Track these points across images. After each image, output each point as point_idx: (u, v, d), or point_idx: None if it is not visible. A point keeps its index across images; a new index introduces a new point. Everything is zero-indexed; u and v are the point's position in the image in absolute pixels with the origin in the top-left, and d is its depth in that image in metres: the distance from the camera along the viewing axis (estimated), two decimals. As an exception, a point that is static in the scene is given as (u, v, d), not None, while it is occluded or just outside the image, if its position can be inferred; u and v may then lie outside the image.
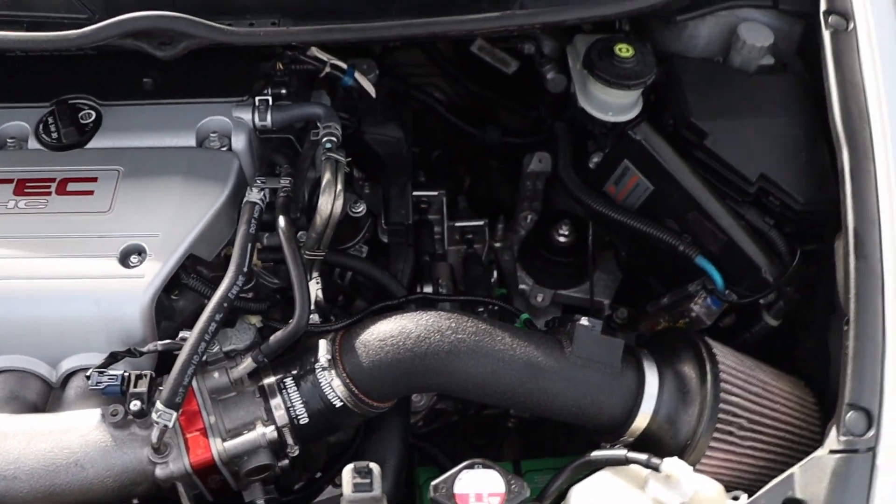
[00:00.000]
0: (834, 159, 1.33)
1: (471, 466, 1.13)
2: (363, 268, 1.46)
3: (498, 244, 1.88)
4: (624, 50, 1.48)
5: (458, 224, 1.82)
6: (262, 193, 1.33)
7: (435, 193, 1.77)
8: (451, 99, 2.06)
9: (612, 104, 1.51)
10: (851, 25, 1.43)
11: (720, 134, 1.46)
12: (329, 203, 1.32)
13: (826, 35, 1.42)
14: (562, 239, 1.70)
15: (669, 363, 1.33)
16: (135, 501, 1.22)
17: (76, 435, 1.19)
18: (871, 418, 1.14)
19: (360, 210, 1.51)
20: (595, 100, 1.52)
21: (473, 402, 1.66)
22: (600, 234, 1.71)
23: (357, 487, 1.11)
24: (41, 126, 1.42)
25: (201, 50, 1.34)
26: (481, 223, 1.82)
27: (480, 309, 1.61)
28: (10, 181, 1.34)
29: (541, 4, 1.40)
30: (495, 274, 1.77)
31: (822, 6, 1.45)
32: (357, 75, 1.54)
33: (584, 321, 1.29)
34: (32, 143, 1.41)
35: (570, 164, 1.62)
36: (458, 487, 1.11)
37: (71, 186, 1.34)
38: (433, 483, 1.12)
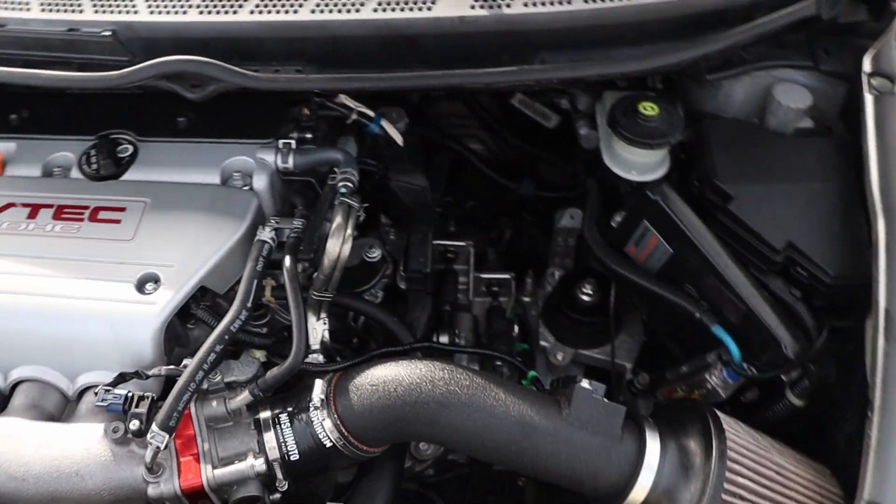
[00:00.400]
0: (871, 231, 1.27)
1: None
2: (371, 312, 1.47)
3: (527, 299, 1.87)
4: (648, 108, 1.47)
5: (484, 276, 1.83)
6: (272, 233, 1.37)
7: (462, 244, 1.79)
8: (491, 151, 2.08)
9: (636, 163, 1.49)
10: (896, 88, 1.39)
11: (747, 198, 1.40)
12: (337, 246, 1.35)
13: (868, 98, 1.36)
14: (585, 298, 1.68)
15: (674, 435, 1.28)
16: None
17: (80, 447, 1.24)
18: None
19: (375, 255, 1.54)
20: (619, 158, 1.51)
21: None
22: (625, 295, 1.69)
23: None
24: (84, 157, 1.51)
25: (233, 93, 1.41)
26: (507, 276, 1.82)
27: (499, 363, 1.61)
28: (51, 206, 1.43)
29: (562, 60, 1.41)
30: (517, 329, 1.76)
31: (866, 67, 1.39)
32: (384, 123, 1.58)
33: (584, 383, 1.26)
34: (75, 173, 1.50)
35: (594, 221, 1.60)
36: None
37: (102, 214, 1.41)
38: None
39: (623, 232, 1.54)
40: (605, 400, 1.26)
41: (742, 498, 1.21)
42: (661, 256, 1.49)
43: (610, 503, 1.26)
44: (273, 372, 1.27)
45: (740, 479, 1.22)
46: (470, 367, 1.29)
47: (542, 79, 1.37)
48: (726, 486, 1.20)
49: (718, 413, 1.29)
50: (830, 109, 1.55)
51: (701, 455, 1.24)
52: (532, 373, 1.46)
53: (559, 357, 1.72)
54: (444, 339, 1.63)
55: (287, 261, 1.33)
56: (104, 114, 1.56)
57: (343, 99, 1.55)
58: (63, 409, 1.35)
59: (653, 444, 1.25)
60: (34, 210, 1.42)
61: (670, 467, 1.24)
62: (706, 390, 1.48)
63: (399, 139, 1.61)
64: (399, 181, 1.65)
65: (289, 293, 1.30)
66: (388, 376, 1.25)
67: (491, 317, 1.79)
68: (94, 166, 1.49)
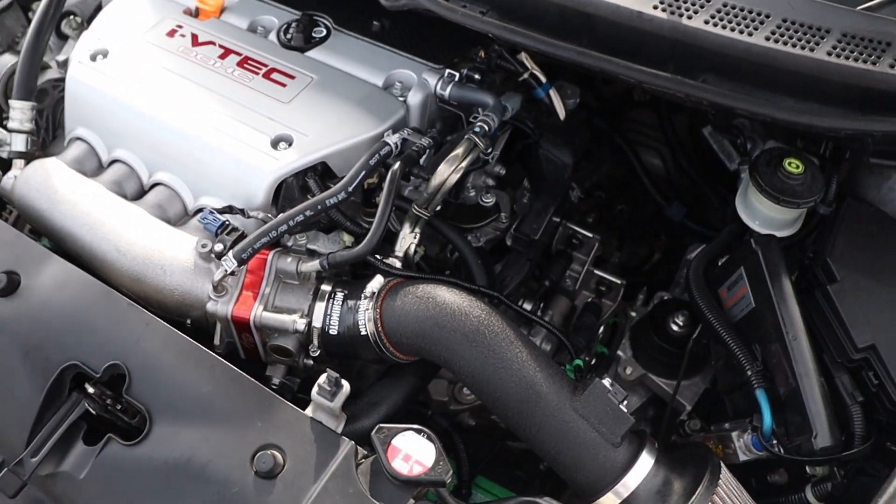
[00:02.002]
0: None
1: (419, 432, 1.20)
2: (460, 244, 1.56)
3: (633, 313, 1.88)
4: (794, 165, 1.44)
5: (597, 272, 1.86)
6: (399, 140, 1.49)
7: (590, 235, 1.83)
8: (667, 169, 2.09)
9: (762, 214, 1.48)
10: None
11: (850, 286, 1.36)
12: (447, 172, 1.46)
13: None
14: (675, 328, 1.67)
15: (669, 467, 1.28)
16: (188, 322, 1.45)
17: (174, 248, 1.45)
18: None
19: (489, 201, 1.63)
20: (748, 204, 1.50)
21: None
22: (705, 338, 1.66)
23: (320, 391, 1.24)
24: (284, 27, 1.71)
25: (426, 15, 1.54)
26: (619, 282, 1.85)
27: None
28: (240, 54, 1.64)
29: (725, 88, 1.41)
30: (602, 330, 1.78)
31: None
32: (551, 92, 1.65)
33: (605, 382, 1.29)
34: (272, 37, 1.71)
35: (706, 258, 1.59)
36: (397, 441, 1.18)
37: (274, 76, 1.60)
38: (380, 425, 1.20)
39: (722, 274, 1.53)
40: (619, 406, 1.28)
41: None
42: (744, 308, 1.46)
43: (582, 499, 1.30)
44: (343, 252, 1.41)
45: None
46: (511, 322, 1.34)
47: (693, 94, 1.38)
48: None
49: (723, 470, 1.28)
50: None
51: (682, 495, 1.24)
52: (578, 361, 1.49)
53: (628, 371, 1.73)
54: (528, 306, 1.70)
55: (395, 164, 1.45)
56: None
57: (522, 57, 1.64)
58: (181, 218, 1.57)
59: (643, 464, 1.27)
60: (226, 53, 1.63)
61: (647, 492, 1.25)
62: (730, 450, 1.44)
63: (561, 112, 1.68)
64: (547, 150, 1.72)
65: (384, 191, 1.42)
66: (434, 295, 1.35)
67: (585, 310, 1.82)
68: (289, 36, 1.69)
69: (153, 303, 1.44)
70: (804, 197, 1.43)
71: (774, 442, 1.37)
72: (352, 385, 1.28)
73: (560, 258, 1.81)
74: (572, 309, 1.85)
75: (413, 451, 1.18)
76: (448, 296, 1.35)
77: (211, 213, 1.46)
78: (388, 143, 1.48)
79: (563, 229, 1.86)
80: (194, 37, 1.66)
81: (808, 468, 1.36)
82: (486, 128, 1.52)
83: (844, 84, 1.37)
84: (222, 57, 1.62)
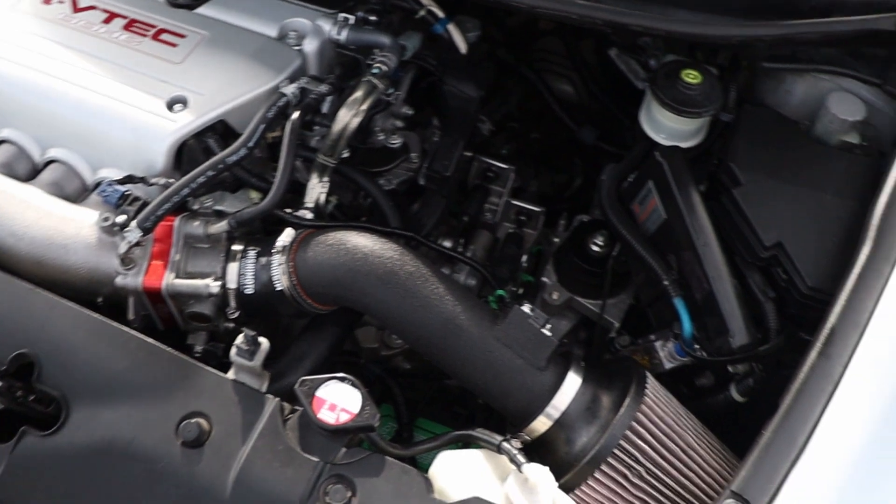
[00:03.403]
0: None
1: (342, 380, 1.20)
2: (369, 187, 1.54)
3: (556, 239, 1.90)
4: (691, 76, 1.45)
5: (515, 202, 1.86)
6: (296, 90, 1.47)
7: (505, 166, 1.83)
8: (578, 94, 2.09)
9: (666, 126, 1.49)
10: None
11: (753, 188, 1.39)
12: (347, 116, 1.44)
13: None
14: (595, 248, 1.69)
15: (596, 383, 1.31)
16: (99, 301, 1.41)
17: (75, 225, 1.40)
18: None
19: (395, 143, 1.61)
20: (652, 118, 1.51)
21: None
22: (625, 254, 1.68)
23: (239, 352, 1.23)
24: (171, -17, 1.65)
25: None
26: (537, 209, 1.85)
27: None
28: (125, 17, 1.58)
29: (619, 5, 1.40)
30: (525, 258, 1.79)
31: None
32: (450, 27, 1.63)
33: (525, 307, 1.31)
34: (159, -6, 1.65)
35: (618, 176, 1.61)
36: (321, 392, 1.18)
37: (163, 36, 1.55)
38: (302, 378, 1.20)
39: (632, 189, 1.55)
40: (541, 329, 1.30)
41: (636, 460, 1.24)
42: (656, 220, 1.49)
43: (515, 425, 1.32)
44: (250, 209, 1.39)
45: (640, 443, 1.24)
46: (425, 260, 1.34)
47: (585, 14, 1.38)
48: (623, 443, 1.24)
49: (649, 379, 1.31)
50: (888, 134, 1.49)
51: (610, 408, 1.27)
52: (500, 291, 1.50)
53: (554, 296, 1.74)
54: (447, 244, 1.70)
55: (294, 115, 1.42)
56: None
57: (419, -6, 1.61)
58: (80, 194, 1.51)
59: (571, 384, 1.29)
60: (110, 17, 1.57)
61: (577, 410, 1.28)
62: (656, 360, 1.48)
63: (462, 46, 1.65)
64: (451, 86, 1.70)
65: (284, 142, 1.40)
66: (345, 241, 1.34)
67: (507, 241, 1.83)
68: (177, -7, 1.64)
69: (60, 285, 1.39)
70: (703, 106, 1.44)
71: (697, 346, 1.41)
72: (280, 342, 1.27)
73: (477, 192, 1.81)
74: (494, 241, 1.85)
75: (338, 400, 1.18)
76: (359, 240, 1.34)
77: (109, 184, 1.41)
78: (285, 94, 1.45)
79: (477, 163, 1.86)
80: (73, 2, 1.60)
81: (729, 367, 1.39)
82: (385, 68, 1.50)
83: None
84: (106, 21, 1.57)
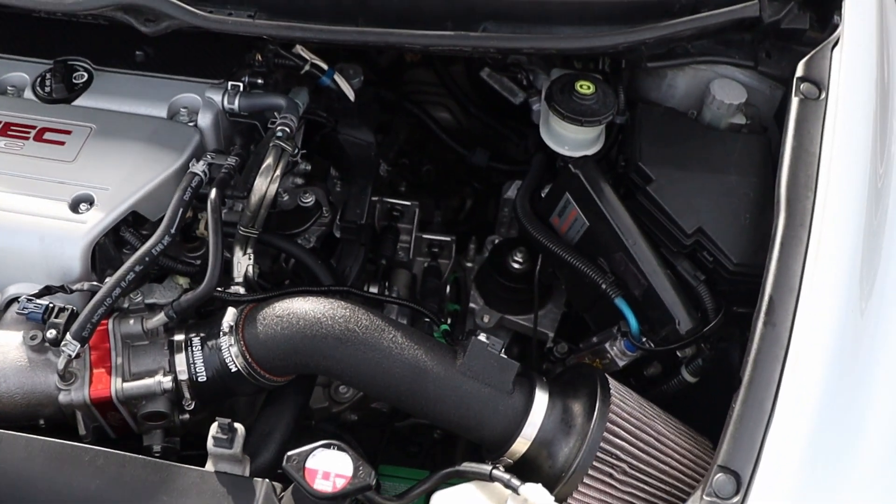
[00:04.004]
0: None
1: (328, 446, 1.18)
2: (295, 251, 1.53)
3: (469, 264, 1.94)
4: (585, 87, 1.52)
5: (425, 236, 1.89)
6: (205, 167, 1.43)
7: (409, 203, 1.85)
8: (458, 121, 2.14)
9: (569, 138, 1.56)
10: (823, 95, 1.44)
11: (665, 182, 1.47)
12: (264, 185, 1.42)
13: (794, 101, 1.42)
14: (516, 265, 1.74)
15: (563, 395, 1.35)
16: (41, 423, 1.33)
17: None
18: (739, 483, 1.13)
19: (308, 200, 1.60)
20: (553, 132, 1.57)
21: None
22: (549, 266, 1.74)
23: (217, 442, 1.19)
24: (39, 80, 1.57)
25: (193, 33, 1.47)
26: (448, 239, 1.88)
27: (427, 320, 1.68)
28: None
29: (505, 31, 1.46)
30: (448, 289, 1.82)
31: (798, 72, 1.46)
32: (336, 77, 1.64)
33: (482, 337, 1.33)
34: (28, 94, 1.56)
35: (528, 192, 1.66)
36: (311, 463, 1.16)
37: (47, 136, 1.48)
38: (288, 454, 1.17)
39: (548, 203, 1.60)
40: (501, 355, 1.32)
41: (618, 458, 1.28)
42: (579, 229, 1.55)
43: (494, 452, 1.34)
44: (188, 296, 1.34)
45: (618, 441, 1.29)
46: (374, 311, 1.35)
47: (479, 46, 1.42)
48: (603, 445, 1.28)
49: (610, 380, 1.36)
50: (767, 110, 1.62)
51: (583, 415, 1.30)
52: (444, 326, 1.52)
53: (485, 319, 1.78)
54: (373, 289, 1.70)
55: (213, 193, 1.39)
56: (64, 40, 1.61)
57: (299, 49, 1.60)
58: None
59: (540, 401, 1.32)
60: (-20, 125, 1.48)
61: (553, 423, 1.31)
62: (607, 360, 1.54)
63: (351, 94, 1.67)
64: (346, 135, 1.72)
65: (209, 224, 1.36)
66: (293, 310, 1.32)
67: (427, 276, 1.85)
68: (48, 89, 1.55)
69: None
70: (602, 113, 1.51)
71: (644, 340, 1.47)
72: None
73: (388, 233, 1.82)
74: (413, 278, 1.87)
75: (330, 467, 1.17)
76: (306, 305, 1.33)
77: (28, 300, 1.33)
78: (195, 173, 1.42)
79: (380, 205, 1.87)
80: (-65, 117, 1.49)
81: (678, 352, 1.46)
82: (288, 130, 1.49)
83: (609, 2, 1.47)
84: (-23, 131, 1.47)
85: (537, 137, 1.87)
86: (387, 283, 1.75)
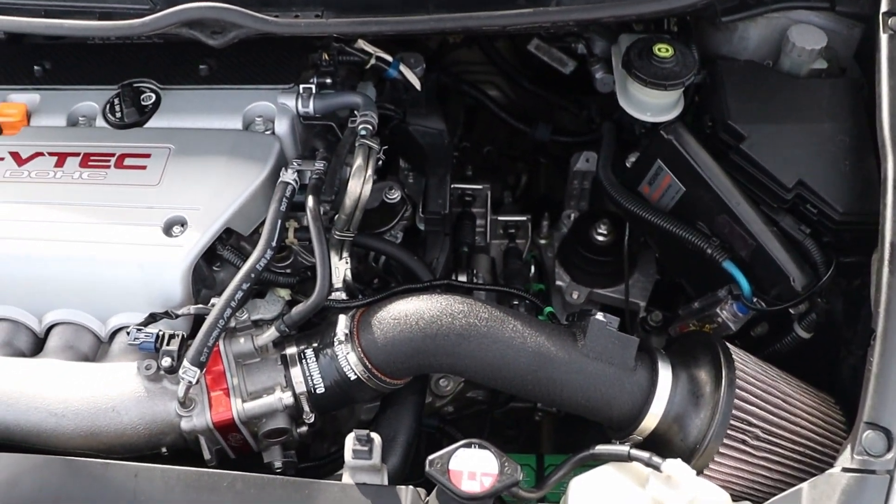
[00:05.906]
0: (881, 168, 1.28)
1: (468, 445, 1.16)
2: (392, 251, 1.51)
3: (543, 241, 1.91)
4: (663, 50, 1.49)
5: (501, 218, 1.86)
6: (295, 174, 1.41)
7: (479, 187, 1.82)
8: (508, 97, 2.10)
9: (650, 104, 1.52)
10: (914, 28, 1.40)
11: (759, 138, 1.44)
12: (358, 186, 1.39)
13: (883, 38, 1.37)
14: (600, 238, 1.72)
15: (685, 366, 1.33)
16: (164, 451, 1.32)
17: (115, 384, 1.30)
18: (891, 439, 1.10)
19: (394, 197, 1.57)
20: (634, 99, 1.53)
21: (502, 393, 1.70)
22: (639, 235, 1.72)
23: (356, 454, 1.17)
24: (108, 106, 1.54)
25: (254, 40, 1.43)
26: (524, 218, 1.86)
27: (516, 302, 1.66)
28: (77, 154, 1.47)
29: (577, 2, 1.43)
30: (532, 269, 1.80)
31: (883, 7, 1.40)
32: (402, 68, 1.60)
33: (599, 316, 1.31)
34: (100, 122, 1.54)
35: (609, 163, 1.63)
36: (454, 464, 1.14)
37: (127, 161, 1.45)
38: (430, 458, 1.15)
39: (637, 172, 1.57)
40: (619, 332, 1.30)
41: (750, 423, 1.27)
42: (674, 195, 1.52)
43: (623, 430, 1.32)
44: (298, 308, 1.32)
45: (748, 406, 1.27)
46: (488, 302, 1.33)
47: (559, 20, 1.39)
48: (734, 412, 1.26)
49: (728, 345, 1.33)
50: (845, 51, 1.58)
51: (711, 384, 1.29)
52: (549, 308, 1.51)
53: (574, 296, 1.76)
54: (462, 278, 1.67)
55: (310, 201, 1.37)
56: (126, 63, 1.59)
57: (362, 44, 1.57)
58: (97, 349, 1.41)
59: (665, 374, 1.30)
60: (61, 159, 1.46)
61: (681, 396, 1.29)
62: (717, 324, 1.51)
63: (417, 84, 1.63)
64: (417, 125, 1.69)
65: (312, 232, 1.34)
66: (409, 310, 1.30)
67: (507, 258, 1.83)
68: (119, 115, 1.52)
69: (118, 449, 1.30)
70: (684, 75, 1.47)
71: (755, 300, 1.45)
72: (340, 430, 1.21)
73: (465, 220, 1.79)
74: (492, 262, 1.85)
75: (474, 467, 1.15)
76: (421, 304, 1.31)
77: (138, 329, 1.31)
78: (287, 182, 1.39)
79: (451, 191, 1.84)
80: (14, 155, 1.46)
81: (791, 310, 1.44)
82: (371, 127, 1.46)
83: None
84: (59, 164, 1.45)
85: (601, 105, 1.86)
86: (475, 271, 1.72)
